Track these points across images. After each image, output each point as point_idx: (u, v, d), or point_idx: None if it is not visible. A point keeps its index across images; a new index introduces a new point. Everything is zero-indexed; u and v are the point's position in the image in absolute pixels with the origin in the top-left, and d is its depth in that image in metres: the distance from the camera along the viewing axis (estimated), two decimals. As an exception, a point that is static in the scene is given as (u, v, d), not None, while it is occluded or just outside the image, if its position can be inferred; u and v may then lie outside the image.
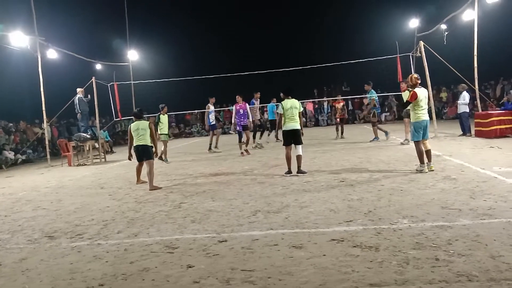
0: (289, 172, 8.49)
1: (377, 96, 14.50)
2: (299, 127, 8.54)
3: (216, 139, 14.80)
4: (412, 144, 11.72)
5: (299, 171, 8.43)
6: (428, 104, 8.07)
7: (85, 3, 24.15)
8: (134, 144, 8.55)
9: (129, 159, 9.03)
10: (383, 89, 24.60)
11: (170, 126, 27.10)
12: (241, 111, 13.01)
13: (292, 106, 8.48)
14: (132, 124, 8.63)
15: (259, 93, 15.37)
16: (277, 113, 8.99)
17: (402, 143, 12.11)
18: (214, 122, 14.53)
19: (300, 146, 8.55)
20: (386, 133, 13.82)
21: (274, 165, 9.98)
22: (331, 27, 28.14)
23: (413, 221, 4.73)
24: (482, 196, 5.52)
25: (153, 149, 8.55)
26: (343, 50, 24.61)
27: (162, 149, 12.50)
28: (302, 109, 8.78)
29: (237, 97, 13.21)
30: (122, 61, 23.40)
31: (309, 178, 7.96)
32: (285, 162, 8.65)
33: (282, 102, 8.64)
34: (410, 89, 7.83)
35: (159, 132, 12.45)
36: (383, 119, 24.08)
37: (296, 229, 4.82)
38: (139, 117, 8.72)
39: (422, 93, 7.78)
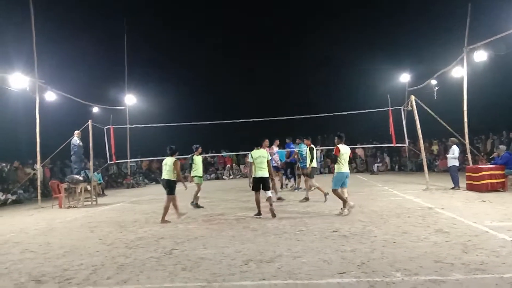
0: (259, 214, 9.36)
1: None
2: (267, 175, 9.40)
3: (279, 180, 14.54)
4: (404, 196, 11.93)
5: (271, 209, 9.25)
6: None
7: (85, 47, 24.74)
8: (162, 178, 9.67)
9: None
10: (375, 141, 24.99)
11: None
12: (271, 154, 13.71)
13: (260, 155, 9.39)
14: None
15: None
16: (249, 162, 9.82)
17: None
18: (275, 164, 14.99)
19: (269, 191, 9.39)
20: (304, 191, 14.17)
21: (266, 212, 9.93)
22: (329, 79, 29.06)
23: (406, 274, 4.71)
24: (475, 251, 5.53)
25: (177, 183, 9.53)
26: (338, 100, 25.27)
27: (195, 192, 11.93)
28: (269, 158, 9.70)
29: (266, 140, 12.80)
30: (119, 105, 23.69)
31: (302, 227, 7.94)
32: (273, 209, 9.32)
33: (251, 152, 9.55)
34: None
35: (192, 174, 12.03)
36: (375, 169, 24.23)
37: (289, 280, 4.78)
38: (169, 154, 9.72)
39: (346, 150, 9.25)
